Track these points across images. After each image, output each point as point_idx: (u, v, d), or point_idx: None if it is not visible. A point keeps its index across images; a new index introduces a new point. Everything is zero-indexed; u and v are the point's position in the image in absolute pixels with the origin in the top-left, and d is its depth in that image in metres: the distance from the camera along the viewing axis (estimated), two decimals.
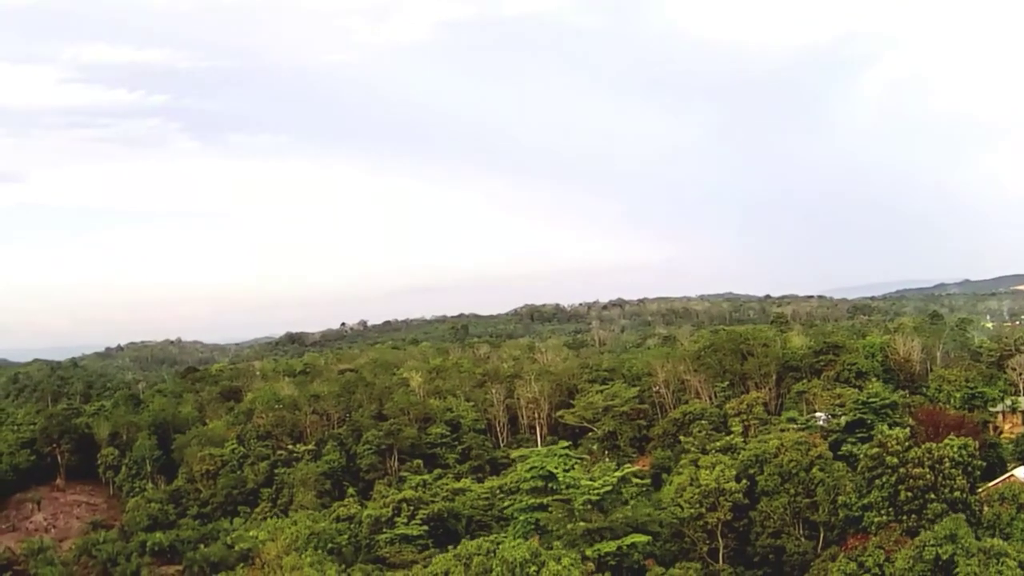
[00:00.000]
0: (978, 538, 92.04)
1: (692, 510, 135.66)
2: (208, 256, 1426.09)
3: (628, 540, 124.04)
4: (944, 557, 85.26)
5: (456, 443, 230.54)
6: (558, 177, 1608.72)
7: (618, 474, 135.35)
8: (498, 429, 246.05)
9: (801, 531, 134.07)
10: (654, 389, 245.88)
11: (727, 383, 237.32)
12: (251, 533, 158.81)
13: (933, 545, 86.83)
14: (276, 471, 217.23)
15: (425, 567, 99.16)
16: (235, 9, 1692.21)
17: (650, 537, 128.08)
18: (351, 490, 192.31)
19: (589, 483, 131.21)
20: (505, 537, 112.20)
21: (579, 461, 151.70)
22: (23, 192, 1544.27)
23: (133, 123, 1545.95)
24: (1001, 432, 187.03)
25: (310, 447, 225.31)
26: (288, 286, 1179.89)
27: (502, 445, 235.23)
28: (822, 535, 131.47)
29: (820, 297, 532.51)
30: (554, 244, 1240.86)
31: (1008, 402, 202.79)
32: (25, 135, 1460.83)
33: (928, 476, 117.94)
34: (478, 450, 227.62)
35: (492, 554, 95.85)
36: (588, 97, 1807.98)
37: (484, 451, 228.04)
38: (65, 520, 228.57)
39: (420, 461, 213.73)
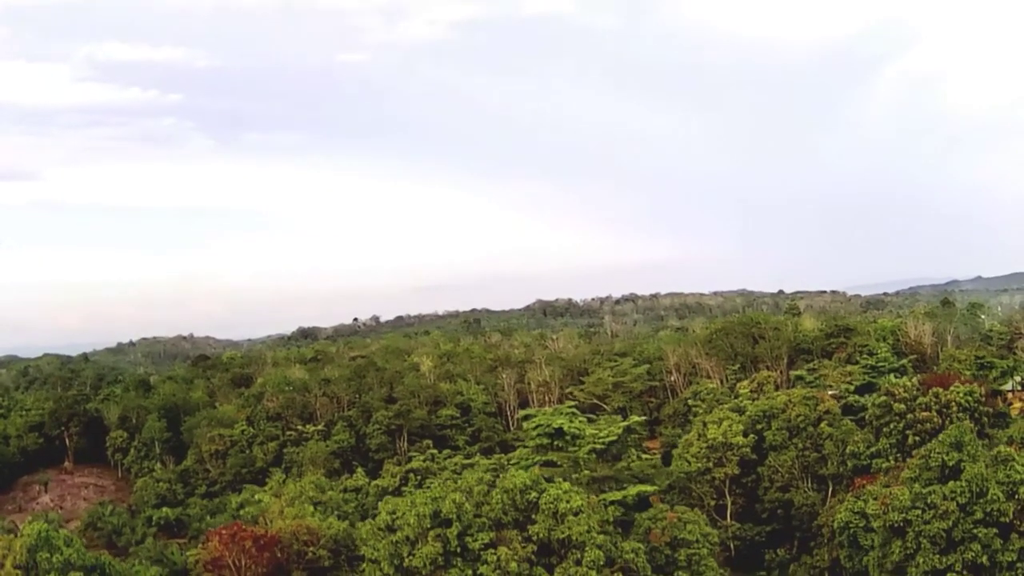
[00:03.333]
0: None
1: (699, 464, 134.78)
2: (221, 253, 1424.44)
3: (633, 490, 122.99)
4: (950, 464, 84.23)
5: (466, 425, 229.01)
6: (572, 175, 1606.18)
7: (623, 424, 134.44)
8: (508, 412, 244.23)
9: (810, 485, 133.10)
10: (665, 372, 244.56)
11: (738, 366, 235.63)
12: (257, 496, 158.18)
13: (939, 453, 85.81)
14: (285, 450, 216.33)
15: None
16: (250, 8, 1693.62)
17: (656, 488, 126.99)
18: (360, 470, 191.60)
19: (594, 432, 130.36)
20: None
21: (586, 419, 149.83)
22: (37, 190, 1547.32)
23: (148, 121, 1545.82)
24: (1011, 404, 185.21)
25: (320, 428, 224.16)
26: (301, 284, 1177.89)
27: (512, 428, 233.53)
28: (830, 488, 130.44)
29: (833, 292, 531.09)
30: (567, 241, 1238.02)
31: (1018, 378, 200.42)
32: (40, 133, 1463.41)
33: (935, 420, 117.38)
34: (488, 432, 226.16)
35: (493, 485, 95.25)
36: (603, 95, 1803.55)
37: (494, 433, 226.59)
38: (72, 501, 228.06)
39: (430, 442, 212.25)
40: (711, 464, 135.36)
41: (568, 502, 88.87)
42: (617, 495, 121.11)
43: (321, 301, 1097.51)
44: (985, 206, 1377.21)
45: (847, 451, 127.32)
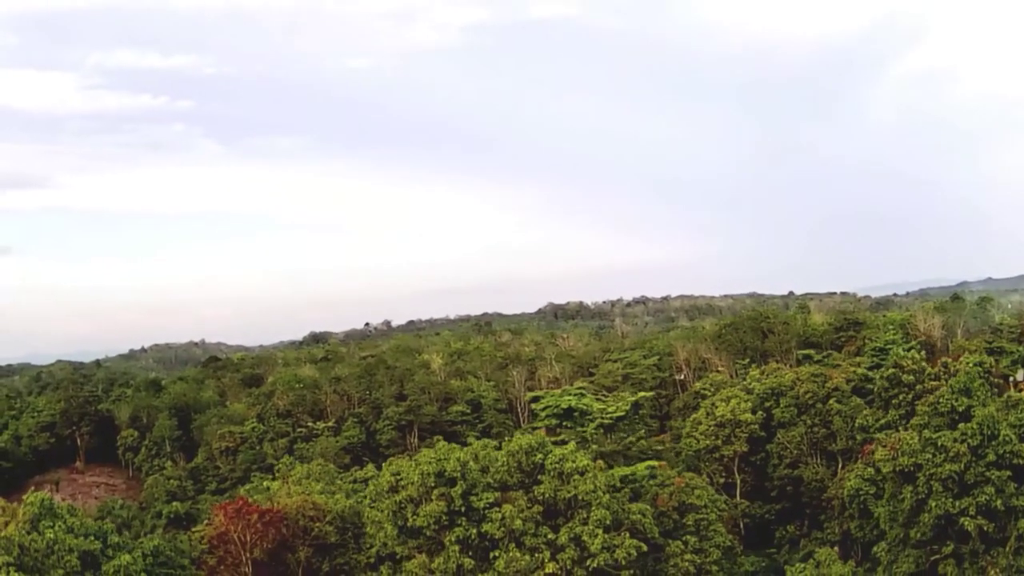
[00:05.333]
0: None
1: (707, 442, 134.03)
2: (232, 258, 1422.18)
3: (642, 466, 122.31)
4: (960, 409, 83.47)
5: (477, 421, 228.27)
6: (581, 177, 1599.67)
7: (631, 400, 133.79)
8: (519, 409, 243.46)
9: (819, 461, 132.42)
10: (675, 368, 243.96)
11: (748, 360, 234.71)
12: (265, 484, 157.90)
13: (948, 399, 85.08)
14: (295, 446, 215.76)
15: None
16: (259, 15, 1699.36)
17: (665, 463, 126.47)
18: (370, 464, 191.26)
19: (602, 408, 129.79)
20: None
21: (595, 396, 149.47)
22: (48, 197, 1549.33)
23: (157, 128, 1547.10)
24: (1022, 392, 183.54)
25: (330, 424, 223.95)
26: (312, 289, 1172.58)
27: (523, 423, 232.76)
28: (840, 463, 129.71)
29: (843, 293, 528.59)
30: (578, 244, 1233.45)
31: None
32: (50, 140, 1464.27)
33: None
34: (499, 427, 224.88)
35: (498, 449, 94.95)
36: (612, 98, 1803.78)
37: (505, 429, 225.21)
38: (83, 500, 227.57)
39: (440, 437, 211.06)
40: (719, 442, 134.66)
41: (574, 462, 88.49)
42: (626, 470, 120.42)
43: (332, 306, 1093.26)
44: (995, 207, 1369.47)
45: (856, 424, 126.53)
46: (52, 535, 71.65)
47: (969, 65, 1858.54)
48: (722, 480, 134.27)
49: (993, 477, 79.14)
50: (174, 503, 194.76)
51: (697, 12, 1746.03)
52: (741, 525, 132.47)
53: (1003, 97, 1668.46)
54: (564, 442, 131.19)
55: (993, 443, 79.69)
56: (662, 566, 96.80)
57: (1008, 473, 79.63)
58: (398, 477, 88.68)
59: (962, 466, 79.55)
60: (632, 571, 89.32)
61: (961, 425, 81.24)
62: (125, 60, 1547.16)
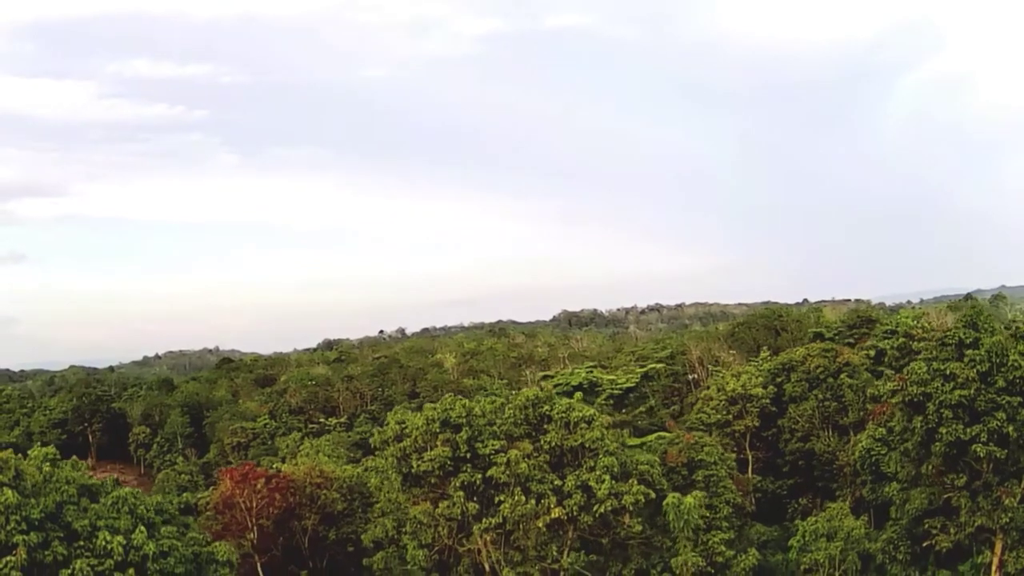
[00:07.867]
0: None
1: (718, 416, 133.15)
2: (246, 267, 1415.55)
3: (652, 437, 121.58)
4: (967, 341, 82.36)
5: None
6: (597, 186, 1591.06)
7: (641, 371, 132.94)
8: None
9: (830, 434, 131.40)
10: (688, 367, 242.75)
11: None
12: (276, 466, 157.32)
13: (955, 331, 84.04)
14: (307, 441, 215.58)
15: None
16: (275, 25, 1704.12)
17: (674, 423, 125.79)
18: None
19: (612, 379, 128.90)
20: None
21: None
22: (63, 205, 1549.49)
23: (174, 137, 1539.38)
24: None
25: (342, 420, 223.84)
26: (327, 297, 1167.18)
27: None
28: (852, 435, 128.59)
29: (857, 301, 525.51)
30: (593, 253, 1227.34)
31: None
32: (66, 149, 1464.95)
33: None
34: None
35: (505, 403, 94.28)
36: (626, 107, 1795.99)
37: None
38: None
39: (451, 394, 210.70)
40: (731, 417, 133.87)
41: (580, 412, 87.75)
42: (635, 441, 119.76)
43: (347, 315, 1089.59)
44: (1010, 215, 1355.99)
45: (867, 394, 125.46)
46: (50, 469, 71.05)
47: (985, 73, 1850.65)
48: (734, 455, 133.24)
49: (1003, 403, 78.02)
50: (184, 494, 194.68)
51: (712, 20, 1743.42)
52: (752, 500, 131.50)
53: (1020, 105, 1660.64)
54: None
55: (1003, 369, 78.64)
56: None
57: (1019, 399, 78.43)
58: (403, 425, 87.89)
59: (972, 392, 78.40)
60: (641, 519, 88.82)
61: (968, 352, 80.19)
62: (142, 69, 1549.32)
